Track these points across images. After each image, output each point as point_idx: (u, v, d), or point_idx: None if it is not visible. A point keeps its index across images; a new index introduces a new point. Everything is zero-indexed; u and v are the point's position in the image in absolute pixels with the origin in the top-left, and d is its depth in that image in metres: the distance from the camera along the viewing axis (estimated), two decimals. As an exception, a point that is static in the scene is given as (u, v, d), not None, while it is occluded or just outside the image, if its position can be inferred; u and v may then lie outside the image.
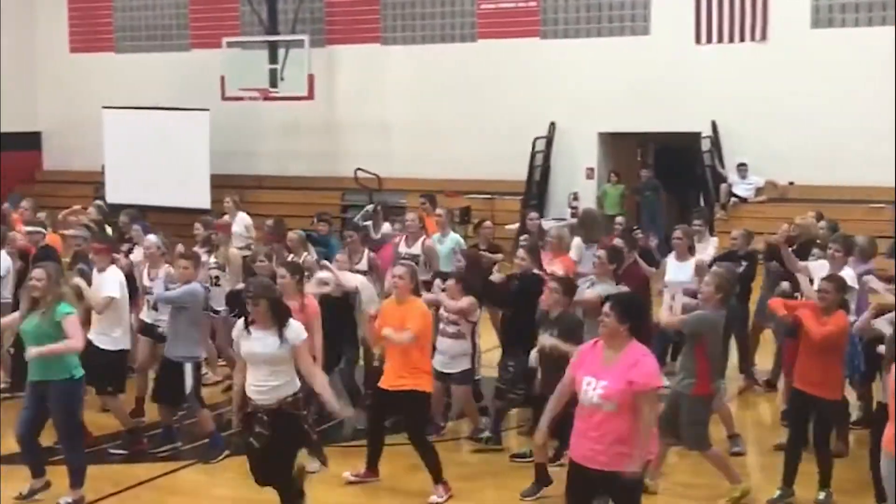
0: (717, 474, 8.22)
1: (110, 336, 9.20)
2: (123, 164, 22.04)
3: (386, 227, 13.56)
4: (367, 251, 11.02)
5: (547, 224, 14.66)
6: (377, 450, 8.50)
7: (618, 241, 10.67)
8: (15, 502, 8.00)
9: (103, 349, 9.16)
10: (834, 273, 8.64)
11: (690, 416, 7.90)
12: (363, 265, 10.82)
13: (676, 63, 19.48)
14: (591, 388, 5.96)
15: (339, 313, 9.75)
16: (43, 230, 11.65)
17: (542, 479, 8.06)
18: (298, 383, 7.18)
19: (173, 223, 17.39)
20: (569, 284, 8.61)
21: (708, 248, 11.54)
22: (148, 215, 19.01)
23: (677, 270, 10.29)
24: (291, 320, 7.17)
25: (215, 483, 8.78)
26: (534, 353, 8.48)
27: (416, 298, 8.42)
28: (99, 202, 14.25)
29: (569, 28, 20.66)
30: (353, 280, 10.06)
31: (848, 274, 8.94)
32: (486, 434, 9.31)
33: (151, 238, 10.48)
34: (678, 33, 19.64)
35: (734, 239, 11.29)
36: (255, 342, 7.05)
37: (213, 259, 10.87)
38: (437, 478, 8.23)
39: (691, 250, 10.57)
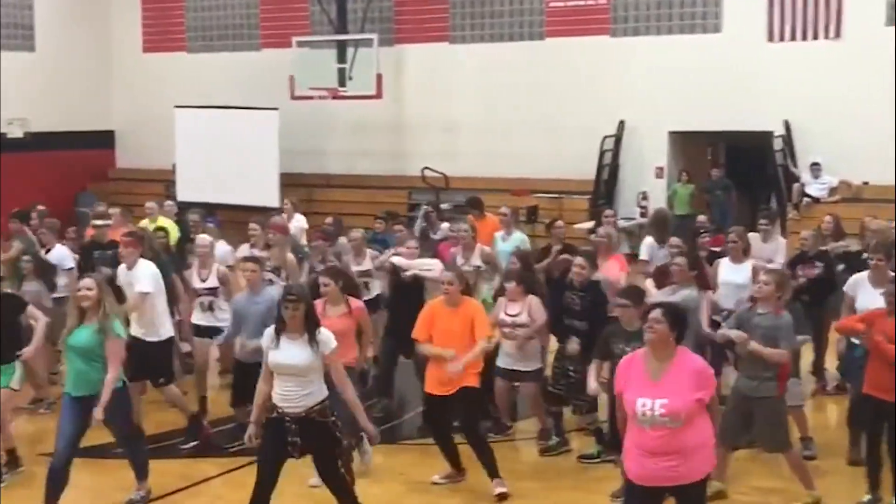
0: (790, 478, 8.08)
1: (155, 328, 9.26)
2: (194, 162, 22.30)
3: (444, 226, 13.53)
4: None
5: (617, 223, 14.53)
6: (451, 451, 8.48)
7: (675, 240, 10.47)
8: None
9: (150, 342, 9.21)
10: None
11: (773, 418, 7.83)
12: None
13: (748, 61, 19.20)
14: (648, 408, 5.76)
15: (412, 299, 9.79)
16: (108, 222, 11.82)
17: None
18: (326, 391, 7.03)
19: (242, 221, 17.50)
20: (636, 294, 8.29)
21: (778, 250, 11.30)
22: (217, 213, 19.36)
23: (732, 272, 9.99)
24: (322, 329, 7.03)
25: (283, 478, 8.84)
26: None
27: (468, 299, 8.42)
28: (169, 202, 14.36)
29: (639, 26, 20.48)
30: (431, 264, 10.05)
31: None
32: (555, 440, 9.22)
33: (203, 238, 10.53)
34: (750, 31, 19.36)
35: (804, 240, 10.98)
36: (285, 352, 6.88)
37: (268, 262, 10.64)
38: (493, 473, 8.23)
39: (746, 252, 10.33)
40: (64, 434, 7.61)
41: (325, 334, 6.99)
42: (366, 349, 9.01)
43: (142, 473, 8.11)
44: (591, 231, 13.05)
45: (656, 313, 5.94)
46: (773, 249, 11.16)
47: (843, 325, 8.52)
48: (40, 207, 13.84)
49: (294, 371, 6.86)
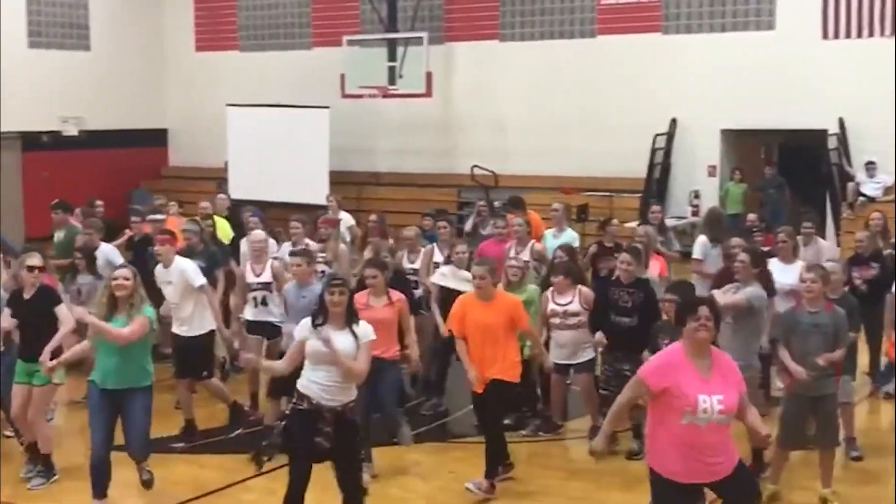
0: (842, 479, 7.99)
1: (197, 323, 9.33)
2: (246, 160, 22.47)
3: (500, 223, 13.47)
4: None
5: (668, 222, 14.44)
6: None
7: (736, 240, 10.37)
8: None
9: (192, 337, 9.28)
10: None
11: (833, 414, 7.92)
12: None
13: (802, 58, 18.98)
14: (709, 405, 5.70)
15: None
16: (163, 217, 11.92)
17: None
18: (355, 391, 7.02)
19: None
20: (686, 289, 8.28)
21: (820, 254, 11.06)
22: (268, 211, 19.47)
23: (782, 273, 9.85)
24: (362, 321, 7.06)
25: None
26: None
27: (502, 293, 8.48)
28: (221, 196, 14.44)
29: (691, 23, 20.31)
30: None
31: None
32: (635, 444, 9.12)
33: (258, 233, 10.60)
34: (804, 28, 19.14)
35: (859, 241, 10.85)
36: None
37: (320, 255, 10.79)
38: (489, 472, 8.15)
39: (796, 252, 10.23)
40: (101, 428, 7.57)
41: (364, 325, 7.03)
42: (413, 346, 8.94)
43: (101, 492, 7.73)
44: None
45: (705, 311, 5.82)
46: (813, 254, 10.91)
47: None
48: (98, 203, 13.93)
49: (332, 360, 6.81)
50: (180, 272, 9.53)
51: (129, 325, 7.40)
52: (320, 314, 6.94)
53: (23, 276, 8.45)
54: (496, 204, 16.21)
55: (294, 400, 6.91)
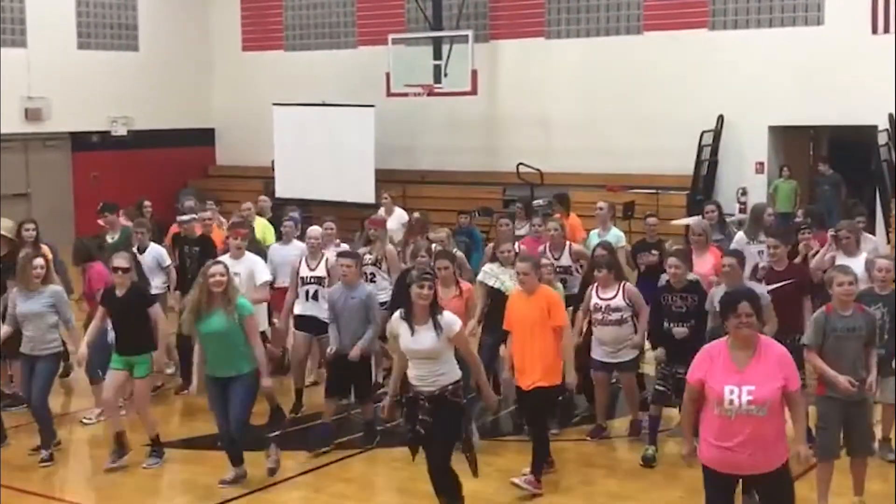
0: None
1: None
2: (292, 159, 22.61)
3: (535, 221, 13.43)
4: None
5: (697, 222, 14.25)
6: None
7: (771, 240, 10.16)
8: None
9: None
10: None
11: (868, 419, 7.71)
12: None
13: (851, 54, 18.75)
14: (737, 396, 5.73)
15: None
16: (194, 217, 11.97)
17: None
18: (460, 372, 7.30)
19: (339, 217, 17.69)
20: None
21: (875, 248, 10.95)
22: (314, 209, 19.58)
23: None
24: (445, 311, 7.31)
25: (377, 472, 8.92)
26: None
27: (544, 287, 8.47)
28: (263, 197, 14.49)
29: (738, 18, 20.13)
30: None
31: None
32: (651, 450, 8.97)
33: (315, 229, 10.69)
34: (853, 23, 18.90)
35: None
36: (414, 337, 7.18)
37: (368, 255, 10.80)
38: (535, 469, 8.22)
39: (859, 245, 10.13)
40: (223, 413, 8.19)
41: (448, 317, 7.26)
42: (475, 333, 9.24)
43: (238, 459, 8.41)
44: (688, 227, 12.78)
45: (745, 307, 5.84)
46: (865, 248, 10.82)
47: None
48: (147, 203, 13.99)
49: (424, 355, 7.16)
50: (251, 264, 10.00)
51: (227, 317, 7.98)
52: (405, 306, 7.28)
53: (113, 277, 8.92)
54: (539, 202, 16.16)
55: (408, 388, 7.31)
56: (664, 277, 9.33)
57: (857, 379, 7.49)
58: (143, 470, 8.82)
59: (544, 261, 9.68)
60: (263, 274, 9.98)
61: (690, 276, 9.24)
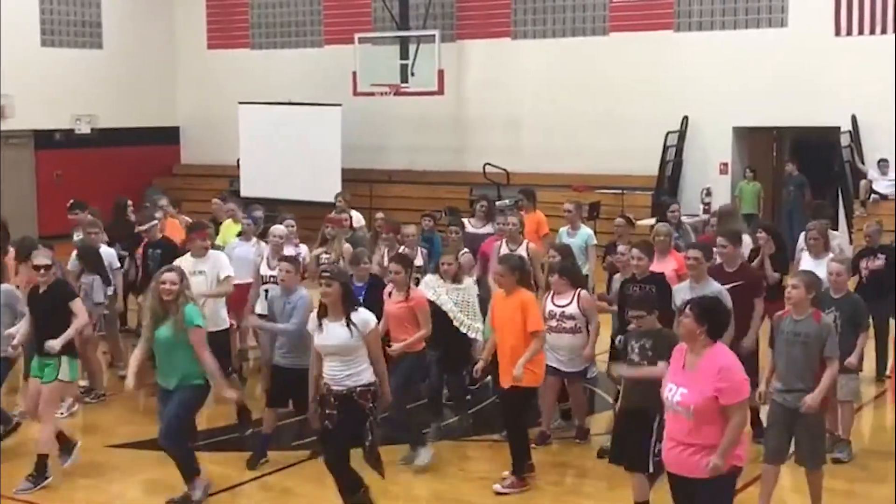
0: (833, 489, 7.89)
1: (213, 320, 9.28)
2: (258, 158, 22.52)
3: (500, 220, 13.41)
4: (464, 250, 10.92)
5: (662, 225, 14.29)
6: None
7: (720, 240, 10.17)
8: None
9: (213, 332, 9.16)
10: None
11: (816, 430, 7.50)
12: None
13: (815, 55, 18.93)
14: (672, 395, 5.90)
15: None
16: (155, 222, 11.83)
17: None
18: (372, 376, 7.22)
19: (305, 217, 17.65)
20: (649, 302, 7.89)
21: (834, 242, 11.10)
22: (280, 209, 19.50)
23: (815, 268, 9.87)
24: (361, 309, 7.30)
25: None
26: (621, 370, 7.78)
27: (522, 289, 8.39)
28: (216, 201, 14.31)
29: (703, 20, 20.27)
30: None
31: None
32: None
33: (279, 228, 10.66)
34: (817, 25, 19.09)
35: (868, 235, 10.94)
36: (326, 334, 7.20)
37: (325, 255, 10.79)
38: (517, 468, 8.29)
39: (827, 247, 10.23)
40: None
41: (364, 315, 7.25)
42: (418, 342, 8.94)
43: (186, 475, 7.98)
44: (652, 227, 12.78)
45: (685, 308, 6.01)
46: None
47: None
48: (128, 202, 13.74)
49: (335, 351, 7.16)
50: (216, 261, 9.87)
51: (175, 326, 7.61)
52: (321, 305, 7.28)
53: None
54: (504, 202, 16.18)
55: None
56: (629, 270, 9.28)
57: (799, 387, 7.39)
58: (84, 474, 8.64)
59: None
60: (227, 269, 9.86)
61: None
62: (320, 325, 7.23)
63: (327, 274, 7.30)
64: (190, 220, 12.33)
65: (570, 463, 9.00)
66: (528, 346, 8.20)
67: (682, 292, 8.47)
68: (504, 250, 10.46)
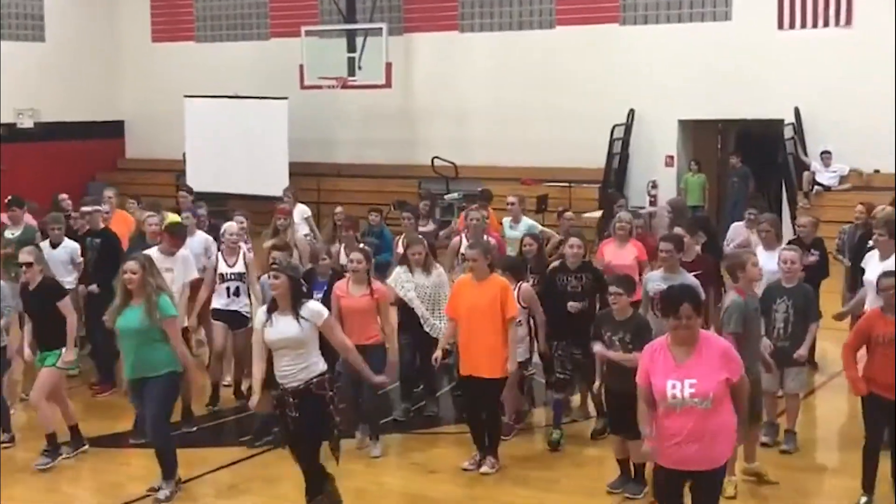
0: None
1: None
2: (204, 152, 22.32)
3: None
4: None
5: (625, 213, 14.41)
6: (478, 435, 8.53)
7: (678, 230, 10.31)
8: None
9: None
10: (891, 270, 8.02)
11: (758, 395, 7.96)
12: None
13: (758, 49, 19.15)
14: (678, 391, 5.76)
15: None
16: (98, 208, 11.68)
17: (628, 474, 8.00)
18: (324, 365, 7.24)
19: (252, 211, 17.54)
20: (630, 283, 8.09)
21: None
22: (227, 203, 19.39)
23: (767, 260, 9.98)
24: (310, 301, 7.29)
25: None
26: (598, 348, 7.96)
27: (495, 275, 8.45)
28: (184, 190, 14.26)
29: (648, 14, 20.43)
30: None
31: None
32: (556, 433, 9.10)
33: (232, 225, 10.60)
34: (760, 18, 19.30)
35: (802, 227, 11.07)
36: (275, 328, 7.11)
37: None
38: (492, 450, 8.50)
39: (779, 239, 10.38)
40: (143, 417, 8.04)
41: (313, 306, 7.22)
42: (390, 338, 9.04)
43: (168, 471, 8.01)
44: (604, 219, 12.81)
45: (686, 309, 5.82)
46: (757, 240, 11.11)
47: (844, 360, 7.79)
48: (63, 196, 13.47)
49: (286, 345, 7.07)
50: (182, 261, 9.93)
51: (144, 314, 7.69)
52: (272, 300, 7.22)
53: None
54: (453, 196, 16.22)
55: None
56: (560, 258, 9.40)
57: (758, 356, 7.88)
58: (41, 470, 8.61)
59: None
60: (193, 272, 9.96)
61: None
62: (269, 319, 7.15)
63: (276, 267, 7.26)
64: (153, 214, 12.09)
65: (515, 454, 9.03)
66: (502, 332, 8.23)
67: (654, 281, 8.68)
68: (465, 244, 10.41)
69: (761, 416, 8.28)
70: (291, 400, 7.06)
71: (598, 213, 16.00)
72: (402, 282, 9.62)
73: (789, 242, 10.93)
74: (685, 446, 5.82)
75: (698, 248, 10.16)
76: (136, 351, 7.78)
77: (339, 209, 12.33)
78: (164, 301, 7.79)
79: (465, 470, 8.44)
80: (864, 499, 7.63)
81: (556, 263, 9.46)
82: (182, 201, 13.23)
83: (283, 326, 7.08)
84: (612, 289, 7.90)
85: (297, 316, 7.08)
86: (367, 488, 8.37)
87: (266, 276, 9.24)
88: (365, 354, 8.29)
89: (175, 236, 10.23)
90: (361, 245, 10.31)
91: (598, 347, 7.87)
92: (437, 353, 8.76)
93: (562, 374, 9.02)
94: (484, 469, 8.42)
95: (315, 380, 7.10)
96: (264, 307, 7.35)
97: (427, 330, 9.60)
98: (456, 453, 8.77)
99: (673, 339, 5.91)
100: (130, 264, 7.84)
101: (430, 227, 12.72)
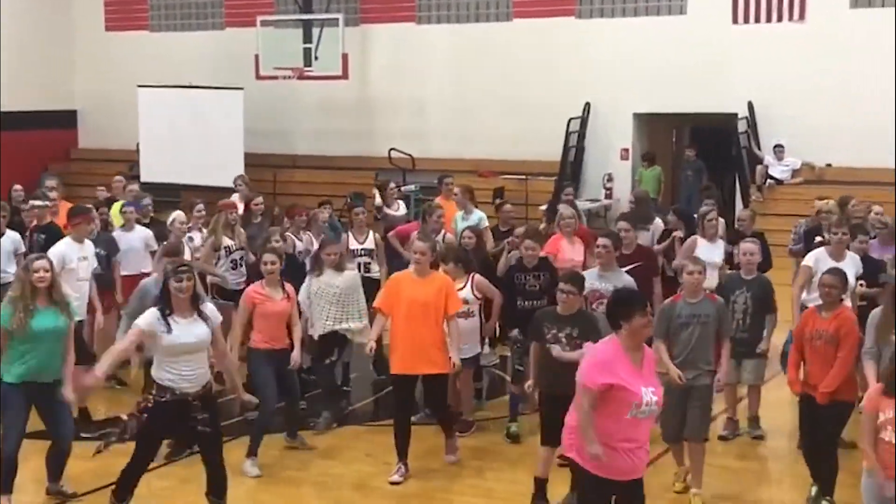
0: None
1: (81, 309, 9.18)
2: (158, 142, 22.12)
3: (401, 204, 13.43)
4: (371, 232, 10.93)
5: (581, 205, 14.52)
6: (405, 440, 8.44)
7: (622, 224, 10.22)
8: None
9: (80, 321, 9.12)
10: (835, 267, 8.14)
11: (706, 403, 7.73)
12: (370, 243, 10.75)
13: (713, 43, 19.28)
14: (649, 397, 5.64)
15: None
16: (46, 204, 11.54)
17: None
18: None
19: (208, 202, 17.42)
20: (581, 281, 7.98)
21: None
22: (182, 194, 19.22)
23: (709, 251, 10.06)
24: (207, 303, 7.11)
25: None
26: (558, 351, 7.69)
27: (436, 272, 8.48)
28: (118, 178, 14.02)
29: (605, 7, 20.50)
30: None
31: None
32: (514, 427, 9.16)
33: (180, 214, 10.56)
34: (715, 13, 19.44)
35: (742, 220, 11.20)
36: (181, 332, 6.77)
37: (229, 241, 10.72)
38: (450, 445, 8.55)
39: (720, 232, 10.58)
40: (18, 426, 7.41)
41: (210, 306, 7.01)
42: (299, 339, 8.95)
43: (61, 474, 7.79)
44: (550, 209, 12.70)
45: (648, 308, 5.81)
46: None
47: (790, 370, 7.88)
48: (17, 187, 13.25)
49: (195, 349, 6.81)
50: (91, 250, 9.76)
51: (60, 314, 7.32)
52: (164, 303, 6.83)
53: None
54: (409, 188, 16.21)
55: (154, 392, 6.86)
56: (515, 255, 9.42)
57: (701, 367, 7.63)
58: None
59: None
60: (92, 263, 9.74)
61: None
62: (167, 323, 6.75)
63: (185, 268, 6.89)
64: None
65: (473, 446, 9.06)
66: (440, 332, 8.21)
67: (590, 278, 8.50)
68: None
69: (698, 432, 7.82)
70: (196, 403, 6.81)
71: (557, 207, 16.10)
72: (305, 285, 9.49)
73: (731, 237, 11.11)
74: (640, 455, 5.73)
75: (640, 241, 10.22)
76: (51, 353, 7.33)
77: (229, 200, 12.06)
78: (71, 302, 7.56)
79: (393, 483, 8.18)
80: (814, 489, 7.70)
81: (513, 261, 9.44)
82: (116, 186, 12.98)
83: (193, 330, 6.80)
84: (565, 286, 7.66)
85: (201, 316, 6.85)
86: (322, 481, 8.38)
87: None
88: (286, 360, 8.38)
89: (75, 217, 9.85)
90: (275, 244, 9.73)
91: (557, 350, 7.54)
92: (371, 344, 8.47)
93: (519, 366, 9.01)
94: (449, 458, 8.46)
95: (208, 382, 6.93)
96: (153, 310, 6.87)
97: (311, 332, 9.38)
98: (412, 445, 8.75)
99: (634, 343, 5.72)
100: (42, 263, 7.34)
101: (401, 211, 12.66)
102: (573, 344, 7.50)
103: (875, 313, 7.53)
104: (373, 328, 8.64)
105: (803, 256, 10.04)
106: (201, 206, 11.19)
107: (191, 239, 10.95)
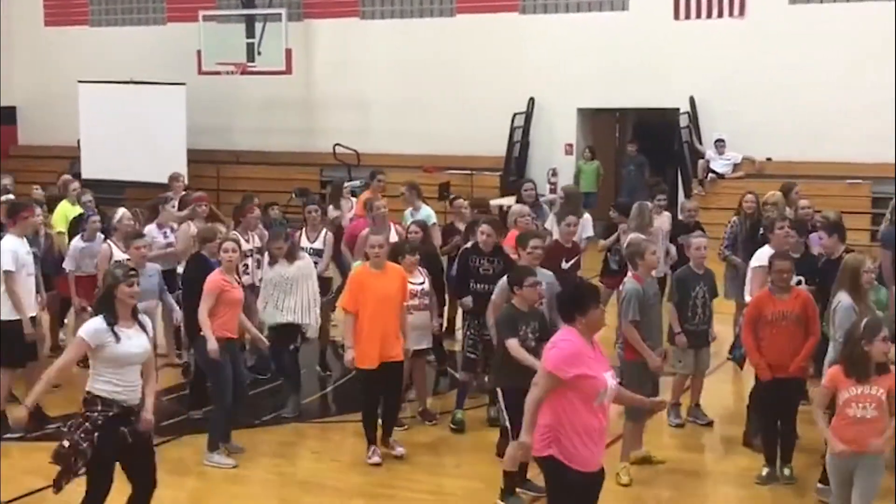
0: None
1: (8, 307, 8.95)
2: (99, 139, 21.88)
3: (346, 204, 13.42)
4: (325, 231, 10.89)
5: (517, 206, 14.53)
6: (376, 427, 8.50)
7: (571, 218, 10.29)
8: None
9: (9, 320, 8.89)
10: (783, 251, 8.44)
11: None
12: (319, 243, 10.73)
13: (655, 39, 19.46)
14: (611, 384, 5.64)
15: None
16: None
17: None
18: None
19: (149, 198, 17.26)
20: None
21: (664, 224, 11.59)
22: (125, 190, 19.06)
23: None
24: (141, 312, 6.69)
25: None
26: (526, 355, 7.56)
27: (390, 263, 8.53)
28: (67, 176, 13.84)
29: (548, 3, 20.60)
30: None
31: None
32: (459, 414, 9.20)
33: (125, 211, 10.48)
34: (657, 9, 19.62)
35: (690, 211, 11.73)
36: (128, 342, 6.35)
37: (246, 245, 10.51)
38: (386, 439, 8.56)
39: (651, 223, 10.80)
40: None
41: (144, 316, 6.69)
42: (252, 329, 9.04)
43: None
44: (506, 207, 12.87)
45: (592, 301, 5.79)
46: (659, 223, 11.38)
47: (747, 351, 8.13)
48: None
49: (139, 359, 6.44)
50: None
51: None
52: (108, 311, 6.35)
53: None
54: (355, 183, 16.19)
55: (100, 408, 6.30)
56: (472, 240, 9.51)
57: (658, 343, 8.17)
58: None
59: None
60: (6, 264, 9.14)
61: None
62: (114, 332, 6.29)
63: (134, 272, 6.52)
64: None
65: (420, 440, 9.07)
66: (399, 318, 8.35)
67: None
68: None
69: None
70: (132, 417, 6.36)
71: (504, 201, 16.24)
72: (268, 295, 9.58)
73: (676, 229, 11.32)
74: (601, 444, 5.70)
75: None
76: None
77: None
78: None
79: (375, 465, 8.29)
80: (766, 470, 7.93)
81: (469, 245, 9.54)
82: (72, 188, 12.80)
83: (138, 341, 6.41)
84: (529, 279, 7.72)
85: (142, 327, 6.49)
86: (268, 478, 8.35)
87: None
88: (239, 352, 8.49)
89: (23, 212, 9.42)
90: (234, 235, 9.94)
91: (525, 354, 7.45)
92: (351, 354, 8.33)
93: (472, 353, 9.07)
94: (399, 451, 8.48)
95: (141, 396, 6.49)
96: (97, 319, 6.35)
97: (264, 318, 9.60)
98: (356, 442, 8.75)
99: (589, 329, 5.68)
100: None
101: (353, 212, 12.71)
102: (536, 338, 7.53)
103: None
104: (345, 335, 8.49)
105: (740, 260, 10.35)
106: (175, 202, 11.16)
107: (166, 235, 10.95)
